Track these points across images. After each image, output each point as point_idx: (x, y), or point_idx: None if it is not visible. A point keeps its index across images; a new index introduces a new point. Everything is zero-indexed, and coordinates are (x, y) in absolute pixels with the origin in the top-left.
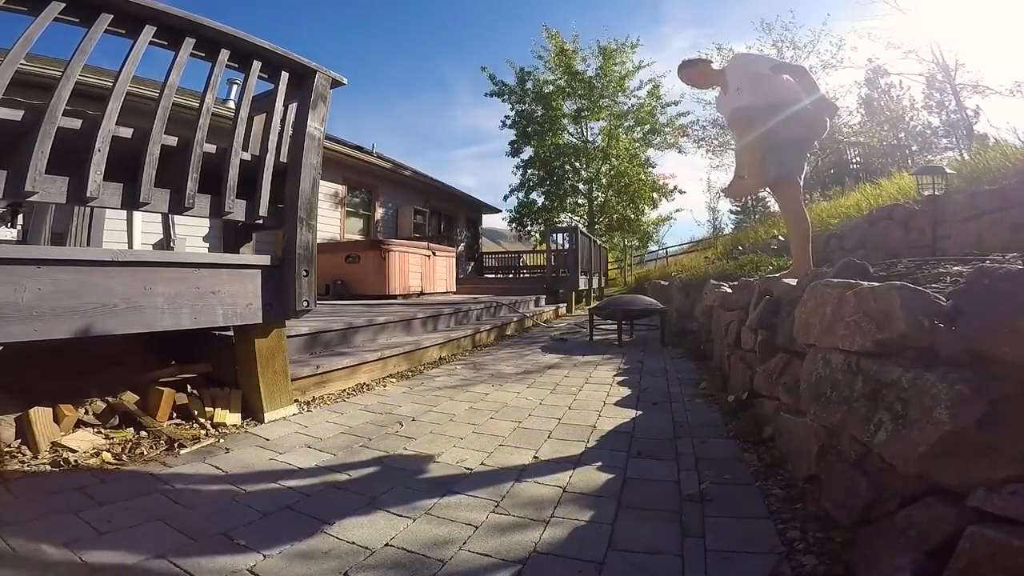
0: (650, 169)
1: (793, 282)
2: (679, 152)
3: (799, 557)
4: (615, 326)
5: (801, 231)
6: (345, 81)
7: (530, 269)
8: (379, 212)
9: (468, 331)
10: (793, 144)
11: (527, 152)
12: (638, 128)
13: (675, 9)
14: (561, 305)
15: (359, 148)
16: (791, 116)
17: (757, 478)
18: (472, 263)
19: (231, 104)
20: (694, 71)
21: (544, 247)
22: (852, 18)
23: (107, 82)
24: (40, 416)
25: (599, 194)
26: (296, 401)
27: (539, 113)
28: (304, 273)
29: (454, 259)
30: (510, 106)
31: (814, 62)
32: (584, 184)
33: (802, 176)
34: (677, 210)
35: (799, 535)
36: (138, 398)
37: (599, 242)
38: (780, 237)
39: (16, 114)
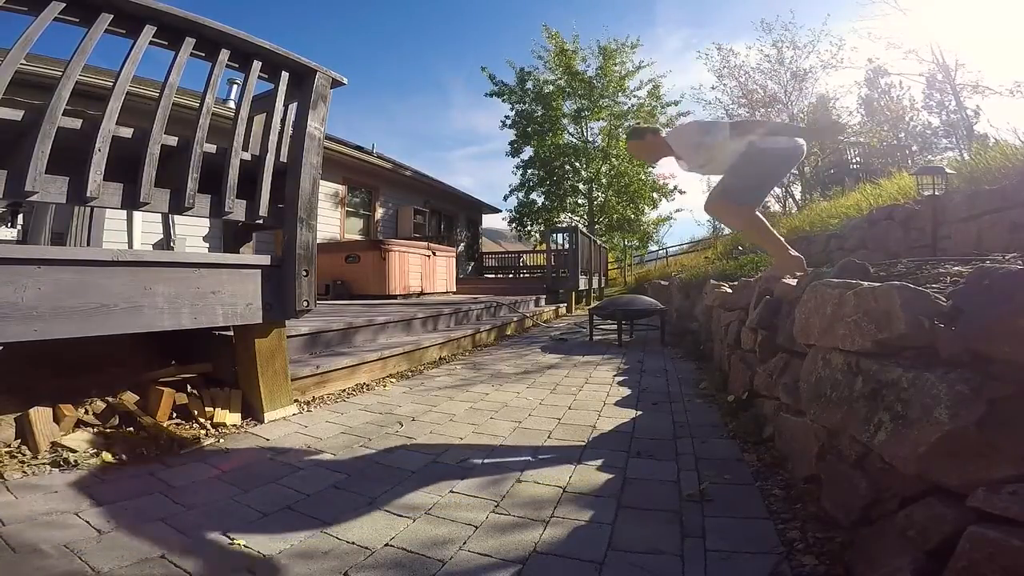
0: (650, 169)
1: (793, 282)
2: None
3: (799, 557)
4: (615, 326)
5: (761, 231)
6: (345, 81)
7: (530, 269)
8: (379, 212)
9: (468, 331)
10: (757, 181)
11: (527, 152)
12: None
13: (668, 10)
14: (561, 305)
15: (359, 148)
16: (755, 158)
17: (757, 478)
18: (472, 263)
19: (231, 104)
20: (640, 143)
21: (544, 247)
22: (852, 18)
23: (107, 82)
24: (40, 416)
25: (599, 194)
26: (296, 401)
27: (539, 113)
28: (304, 273)
29: (454, 259)
30: (510, 106)
31: (814, 62)
32: (584, 184)
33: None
34: (677, 210)
35: (799, 535)
36: (138, 398)
37: (599, 242)
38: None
39: (16, 114)
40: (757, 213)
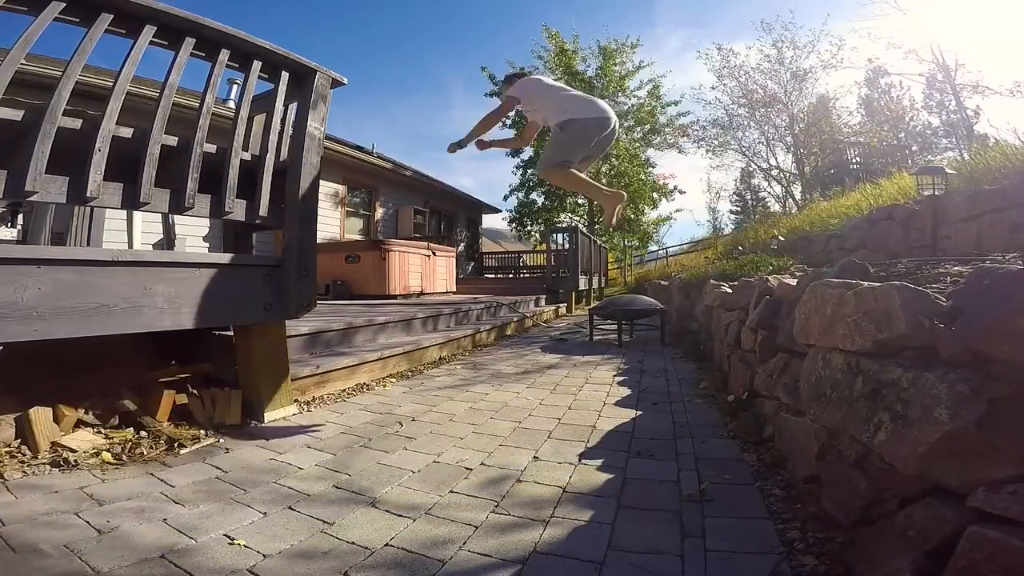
0: (650, 169)
1: (793, 282)
2: (679, 152)
3: (799, 557)
4: (615, 326)
5: (576, 181)
6: (345, 81)
7: (530, 269)
8: (379, 212)
9: (468, 331)
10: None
11: (527, 152)
12: (638, 128)
13: (668, 11)
14: (561, 305)
15: (359, 148)
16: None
17: (757, 478)
18: (472, 263)
19: (231, 104)
20: (506, 86)
21: (544, 247)
22: (852, 18)
23: (107, 82)
24: (40, 416)
25: None
26: (296, 401)
27: None
28: (304, 273)
29: (454, 259)
30: None
31: (814, 62)
32: None
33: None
34: (677, 210)
35: (799, 535)
36: (138, 398)
37: (599, 242)
38: (780, 237)
39: (16, 114)
40: (572, 171)
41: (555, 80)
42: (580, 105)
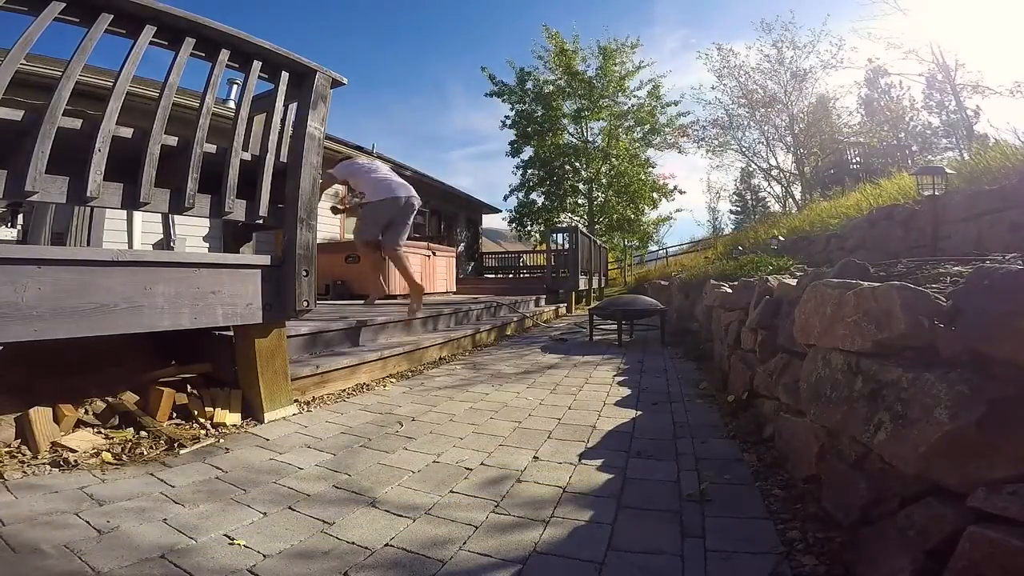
0: (650, 169)
1: (793, 282)
2: (679, 152)
3: (799, 557)
4: (615, 326)
5: (375, 263)
6: (345, 81)
7: (530, 269)
8: None
9: (468, 331)
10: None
11: (527, 152)
12: (638, 128)
13: (666, 11)
14: (561, 305)
15: (360, 148)
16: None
17: (757, 478)
18: (472, 263)
19: (231, 104)
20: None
21: (544, 247)
22: (852, 18)
23: (107, 82)
24: (40, 416)
25: (599, 194)
26: (296, 401)
27: (539, 113)
28: (304, 273)
29: (454, 259)
30: (510, 106)
31: (814, 62)
32: (584, 184)
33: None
34: (677, 210)
35: (799, 535)
36: (138, 398)
37: (599, 242)
38: (780, 237)
39: (16, 114)
40: (377, 253)
41: (369, 160)
42: (375, 189)
